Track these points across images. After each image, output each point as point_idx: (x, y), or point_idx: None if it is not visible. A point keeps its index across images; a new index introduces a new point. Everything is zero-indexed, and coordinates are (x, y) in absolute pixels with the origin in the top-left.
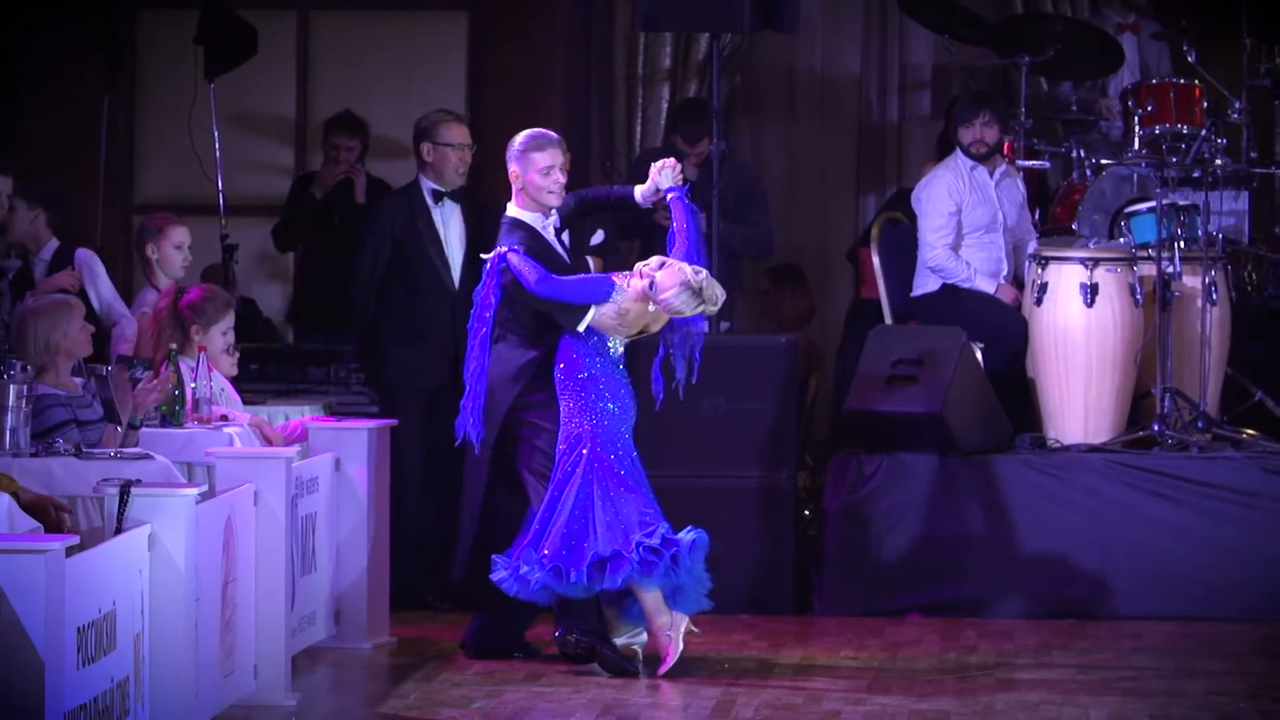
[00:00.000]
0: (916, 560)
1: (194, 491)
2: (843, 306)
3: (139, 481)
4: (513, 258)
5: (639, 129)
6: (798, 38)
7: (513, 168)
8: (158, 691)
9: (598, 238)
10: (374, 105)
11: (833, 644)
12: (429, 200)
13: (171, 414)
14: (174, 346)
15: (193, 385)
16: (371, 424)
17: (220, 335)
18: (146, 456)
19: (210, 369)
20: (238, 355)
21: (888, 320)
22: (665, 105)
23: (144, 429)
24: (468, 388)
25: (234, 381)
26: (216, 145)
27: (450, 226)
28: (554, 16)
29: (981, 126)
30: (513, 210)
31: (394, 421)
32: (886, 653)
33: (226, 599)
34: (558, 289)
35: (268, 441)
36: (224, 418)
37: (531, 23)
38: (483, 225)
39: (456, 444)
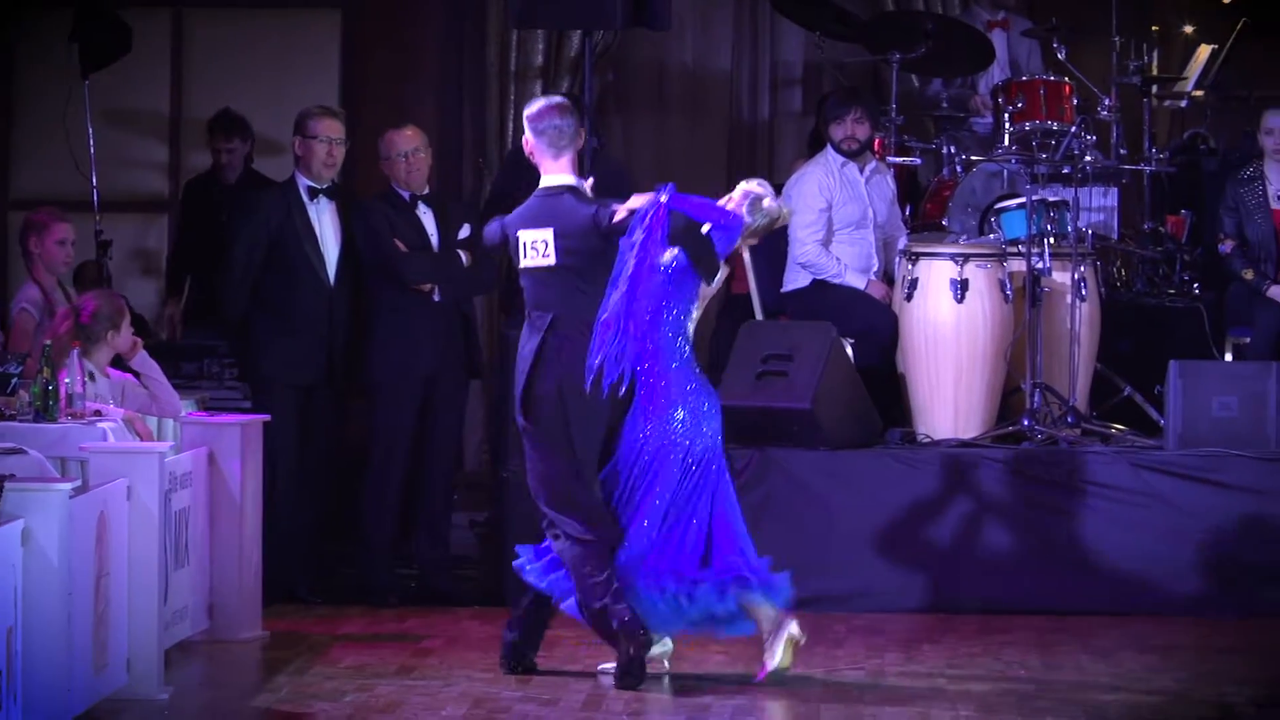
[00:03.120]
0: (786, 554)
1: (68, 486)
2: (717, 303)
3: (12, 476)
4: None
5: (511, 125)
6: (669, 34)
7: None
8: (30, 686)
9: (464, 232)
10: (249, 102)
11: (701, 637)
12: (304, 196)
13: (45, 409)
14: (48, 343)
15: (67, 381)
16: (244, 419)
17: (129, 332)
18: (20, 451)
19: (82, 365)
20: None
21: (758, 315)
22: None
23: (18, 424)
24: (612, 326)
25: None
26: (91, 142)
27: (325, 222)
28: (427, 14)
29: (853, 123)
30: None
31: (267, 417)
32: (755, 647)
33: (100, 593)
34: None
35: (141, 437)
36: (97, 413)
37: (404, 20)
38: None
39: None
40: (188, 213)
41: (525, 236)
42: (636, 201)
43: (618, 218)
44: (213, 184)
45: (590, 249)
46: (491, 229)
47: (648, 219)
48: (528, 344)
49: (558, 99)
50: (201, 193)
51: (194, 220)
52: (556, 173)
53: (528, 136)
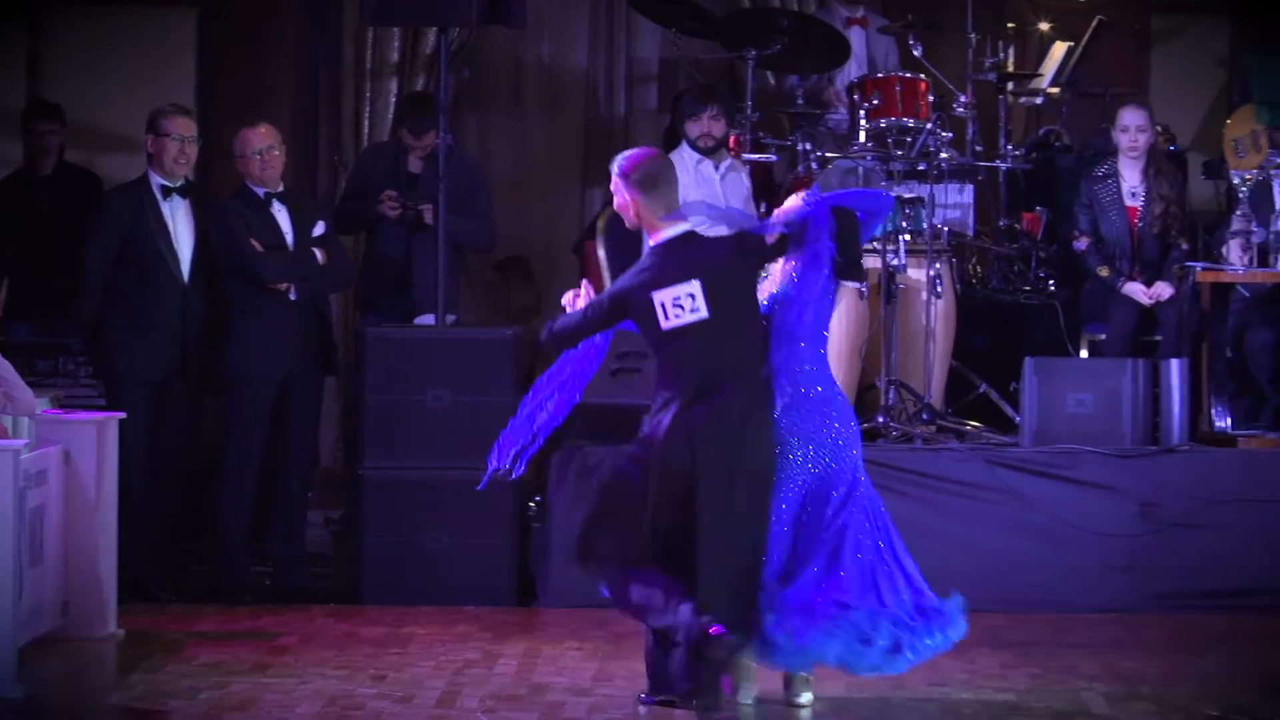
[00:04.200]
0: None
1: None
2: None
3: None
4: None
5: (367, 123)
6: (526, 32)
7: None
8: None
9: (319, 229)
10: (105, 100)
11: (557, 635)
12: (157, 194)
13: None
14: None
15: None
16: (100, 417)
17: None
18: None
19: None
20: None
21: None
22: (393, 99)
23: None
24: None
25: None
26: None
27: (179, 219)
28: (283, 12)
29: (709, 120)
30: None
31: (122, 414)
32: (610, 644)
33: None
34: None
35: None
36: None
37: (260, 18)
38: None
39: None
40: (2, 211)
41: (665, 295)
42: (785, 213)
43: (773, 238)
44: (29, 177)
45: (743, 290)
46: (602, 307)
47: (815, 225)
48: (693, 409)
49: (649, 150)
50: (16, 188)
51: (8, 217)
52: (675, 221)
53: (629, 196)
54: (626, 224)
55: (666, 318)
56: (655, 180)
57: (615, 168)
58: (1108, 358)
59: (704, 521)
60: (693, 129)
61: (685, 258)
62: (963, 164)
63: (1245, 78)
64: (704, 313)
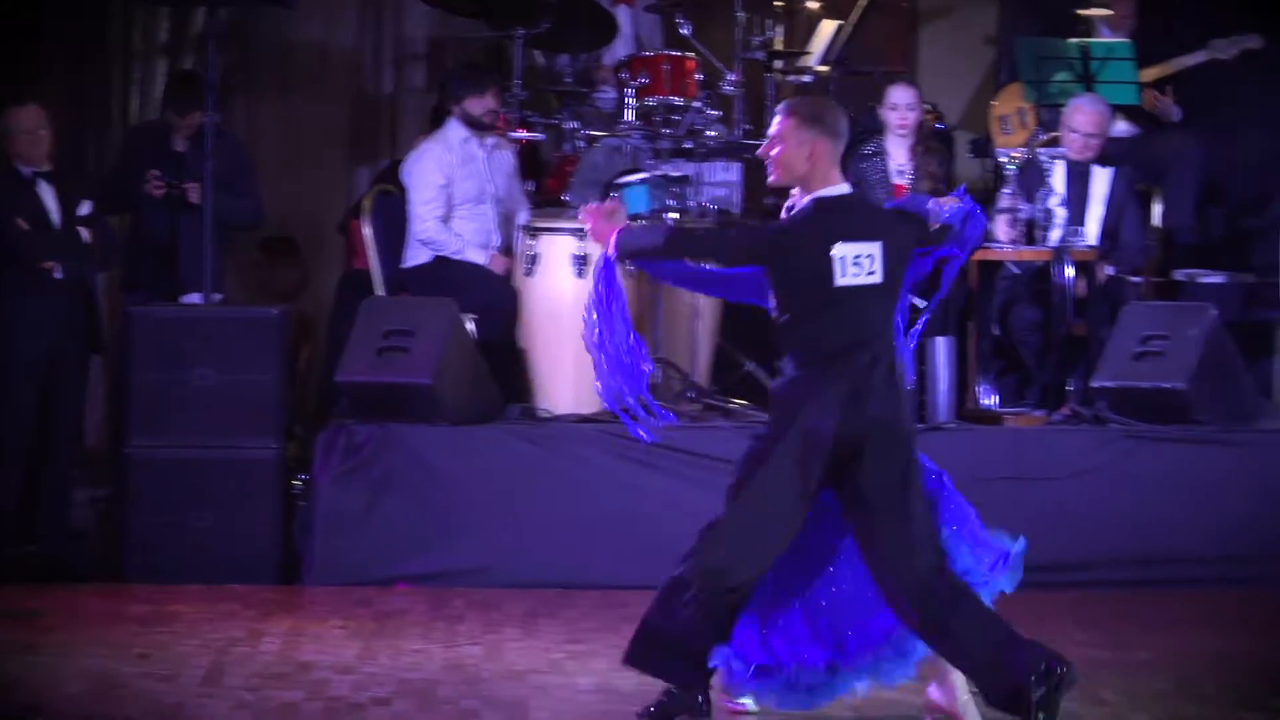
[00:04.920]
0: (406, 530)
1: None
2: (335, 278)
3: None
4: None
5: (135, 103)
6: (295, 11)
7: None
8: None
9: (84, 209)
10: None
11: (322, 613)
12: None
13: None
14: None
15: None
16: None
17: None
18: None
19: None
20: None
21: (379, 292)
22: (161, 79)
23: None
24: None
25: None
26: None
27: None
28: None
29: (492, 97)
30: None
31: None
32: (375, 622)
33: None
34: None
35: None
36: None
37: None
38: None
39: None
40: None
41: (846, 251)
42: (948, 207)
43: (936, 226)
44: None
45: (903, 265)
46: (757, 236)
47: (969, 231)
48: (840, 380)
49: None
50: None
51: None
52: (838, 181)
53: (812, 141)
54: (783, 177)
55: (843, 274)
56: (840, 130)
57: (798, 109)
58: None
59: (881, 521)
60: (476, 106)
61: (861, 217)
62: (730, 142)
63: (1012, 57)
64: (879, 277)
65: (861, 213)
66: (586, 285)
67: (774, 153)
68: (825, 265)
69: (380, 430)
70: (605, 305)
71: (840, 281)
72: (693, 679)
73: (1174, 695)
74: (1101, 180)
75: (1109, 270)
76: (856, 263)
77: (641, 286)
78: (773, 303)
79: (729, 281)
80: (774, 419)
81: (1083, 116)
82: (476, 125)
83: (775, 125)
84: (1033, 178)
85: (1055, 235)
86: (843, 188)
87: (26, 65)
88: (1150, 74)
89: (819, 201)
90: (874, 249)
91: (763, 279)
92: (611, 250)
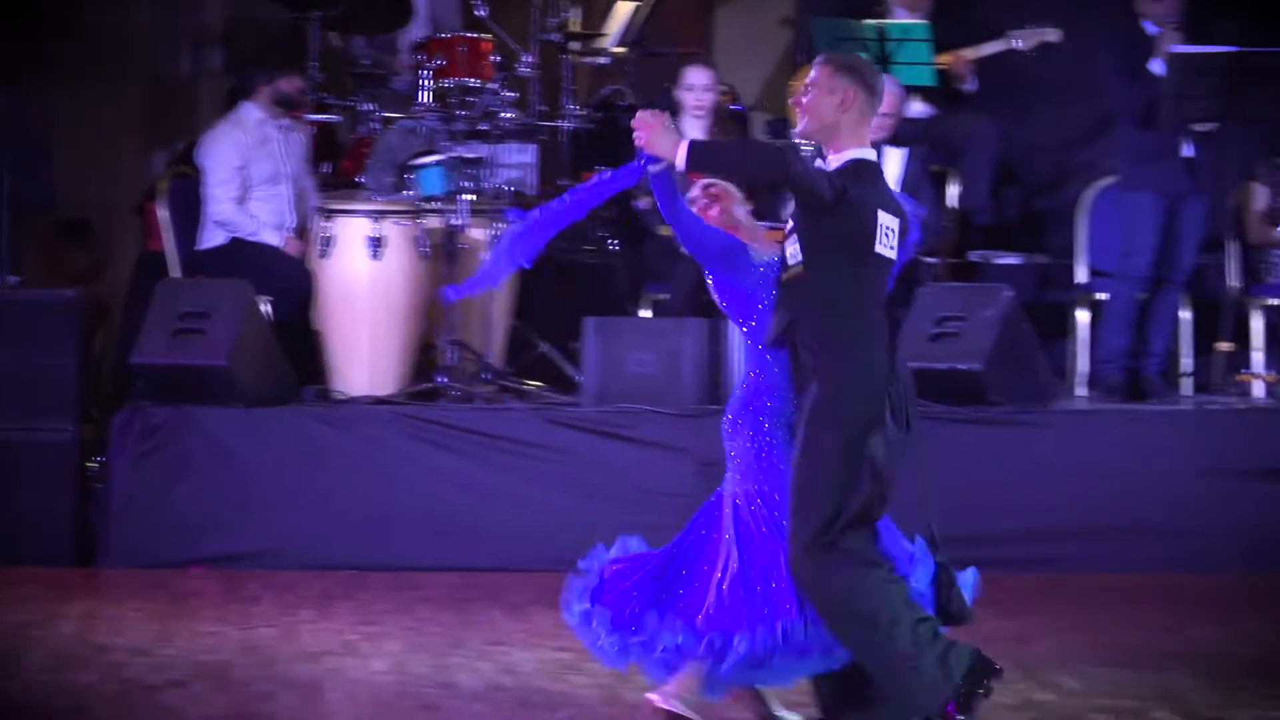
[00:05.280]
0: (201, 512)
1: None
2: (130, 260)
3: None
4: None
5: None
6: None
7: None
8: None
9: None
10: None
11: (118, 595)
12: None
13: None
14: None
15: None
16: None
17: None
18: None
19: None
20: None
21: (175, 273)
22: None
23: None
24: None
25: None
26: None
27: None
28: None
29: (300, 78)
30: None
31: None
32: (171, 604)
33: None
34: None
35: None
36: None
37: None
38: None
39: None
40: None
41: (886, 220)
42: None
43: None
44: None
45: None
46: (829, 179)
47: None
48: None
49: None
50: None
51: None
52: (867, 144)
53: (852, 91)
54: (812, 125)
55: (880, 242)
56: (876, 87)
57: (834, 59)
58: (669, 317)
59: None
60: (289, 84)
61: (888, 190)
62: (525, 124)
63: (809, 37)
64: (896, 254)
65: (885, 185)
66: (381, 267)
67: (805, 99)
68: (872, 229)
69: (176, 412)
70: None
71: (877, 249)
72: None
73: None
74: (895, 161)
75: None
76: (888, 233)
77: (437, 268)
78: (797, 255)
79: (719, 251)
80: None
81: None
82: (288, 104)
83: (811, 73)
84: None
85: None
86: (869, 151)
87: None
88: (946, 59)
89: (860, 164)
90: (896, 225)
91: (736, 253)
92: (682, 160)
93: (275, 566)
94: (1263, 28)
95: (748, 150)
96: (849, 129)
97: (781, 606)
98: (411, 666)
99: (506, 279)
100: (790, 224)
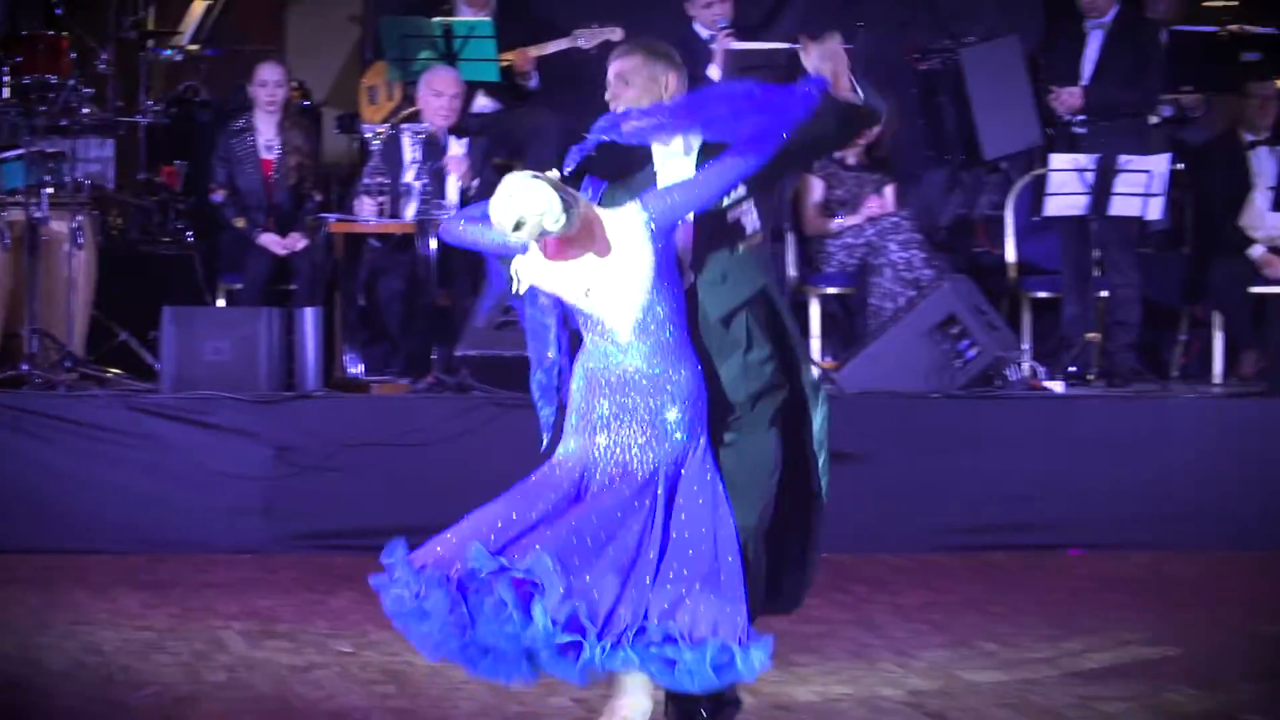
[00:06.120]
0: None
1: None
2: None
3: None
4: None
5: None
6: None
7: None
8: None
9: None
10: None
11: None
12: None
13: None
14: None
15: None
16: None
17: None
18: None
19: None
20: None
21: None
22: None
23: None
24: None
25: None
26: None
27: None
28: None
29: None
30: None
31: None
32: None
33: None
34: None
35: None
36: None
37: None
38: None
39: None
40: None
41: None
42: None
43: None
44: None
45: None
46: None
47: None
48: None
49: None
50: None
51: None
52: None
53: (674, 73)
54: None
55: None
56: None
57: (644, 49)
58: (244, 306)
59: None
60: None
61: None
62: (103, 119)
63: (377, 35)
64: None
65: None
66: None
67: (627, 93)
68: None
69: None
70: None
71: None
72: None
73: None
74: (459, 152)
75: None
76: None
77: (18, 260)
78: (756, 223)
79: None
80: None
81: (439, 85)
82: None
83: (618, 64)
84: (395, 154)
85: (415, 208)
86: None
87: None
88: (510, 56)
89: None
90: None
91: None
92: (847, 87)
93: None
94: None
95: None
96: None
97: None
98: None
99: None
100: (743, 190)
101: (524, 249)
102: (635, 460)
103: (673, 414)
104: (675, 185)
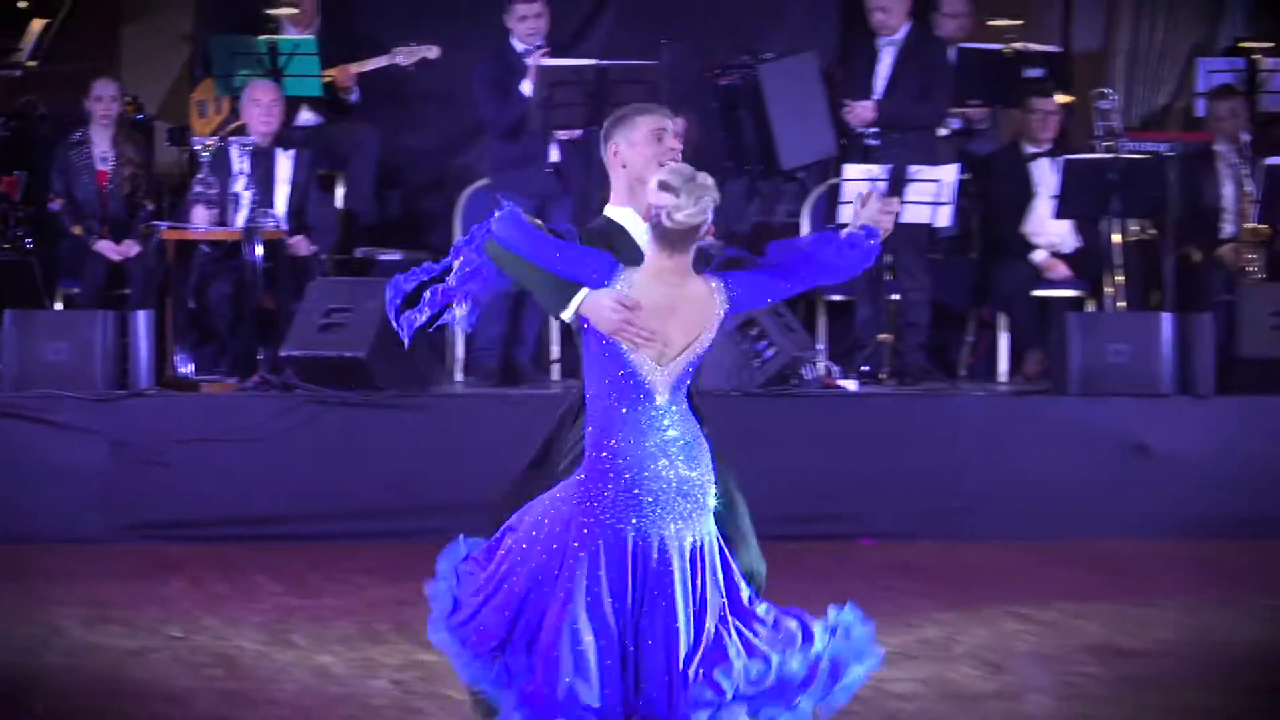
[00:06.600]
0: None
1: None
2: None
3: None
4: None
5: None
6: None
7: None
8: None
9: None
10: None
11: None
12: None
13: None
14: None
15: None
16: None
17: None
18: None
19: None
20: None
21: None
22: None
23: None
24: None
25: None
26: None
27: None
28: None
29: None
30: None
31: None
32: None
33: None
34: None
35: None
36: None
37: None
38: None
39: None
40: None
41: None
42: None
43: None
44: None
45: None
46: None
47: None
48: None
49: None
50: None
51: None
52: None
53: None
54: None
55: None
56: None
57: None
58: (81, 310)
59: None
60: None
61: None
62: None
63: (207, 53)
64: None
65: None
66: None
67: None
68: None
69: None
70: None
71: None
72: None
73: (357, 638)
74: (285, 164)
75: (301, 248)
76: None
77: None
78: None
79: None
80: None
81: (257, 94)
82: None
83: (675, 125)
84: (224, 165)
85: (243, 216)
86: None
87: None
88: (332, 73)
89: None
90: None
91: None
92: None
93: None
94: None
95: None
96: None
97: None
98: None
99: None
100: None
101: (606, 281)
102: (676, 537)
103: (708, 479)
104: (763, 281)
